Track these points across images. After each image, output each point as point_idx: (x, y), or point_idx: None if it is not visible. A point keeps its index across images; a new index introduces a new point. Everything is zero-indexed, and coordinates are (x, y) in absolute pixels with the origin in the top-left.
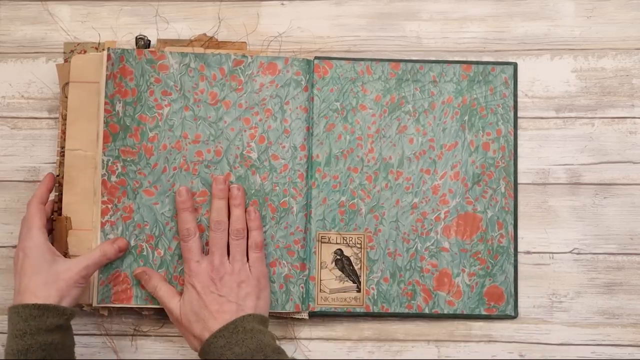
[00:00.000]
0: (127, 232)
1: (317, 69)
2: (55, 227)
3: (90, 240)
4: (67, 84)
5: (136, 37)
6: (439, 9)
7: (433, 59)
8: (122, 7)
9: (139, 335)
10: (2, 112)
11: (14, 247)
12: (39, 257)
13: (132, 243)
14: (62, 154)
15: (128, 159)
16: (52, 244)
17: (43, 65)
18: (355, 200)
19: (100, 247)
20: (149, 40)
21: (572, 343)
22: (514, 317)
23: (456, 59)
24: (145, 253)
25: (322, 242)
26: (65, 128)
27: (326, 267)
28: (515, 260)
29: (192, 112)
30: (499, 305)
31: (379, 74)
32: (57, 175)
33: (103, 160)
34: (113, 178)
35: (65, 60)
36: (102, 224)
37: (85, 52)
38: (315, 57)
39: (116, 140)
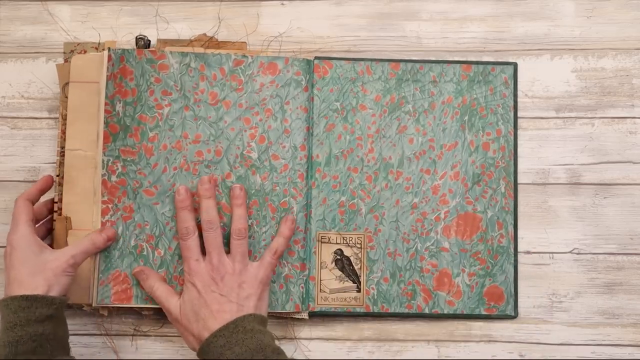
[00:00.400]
0: (127, 231)
1: (317, 69)
2: (55, 227)
3: None
4: (67, 84)
5: (136, 37)
6: (439, 9)
7: (433, 59)
8: (122, 7)
9: (139, 335)
10: (2, 112)
11: None
12: (26, 249)
13: (132, 243)
14: (62, 154)
15: (128, 159)
16: (52, 243)
17: (43, 65)
18: (355, 200)
19: (89, 236)
20: (149, 40)
21: (572, 343)
22: (514, 317)
23: (456, 59)
24: (145, 253)
25: (322, 242)
26: (65, 128)
27: (326, 267)
28: (515, 260)
29: (192, 112)
30: (499, 305)
31: (379, 74)
32: (57, 175)
33: (103, 160)
34: (113, 178)
35: (65, 60)
36: (103, 224)
37: (85, 52)
38: (316, 57)
39: (116, 140)
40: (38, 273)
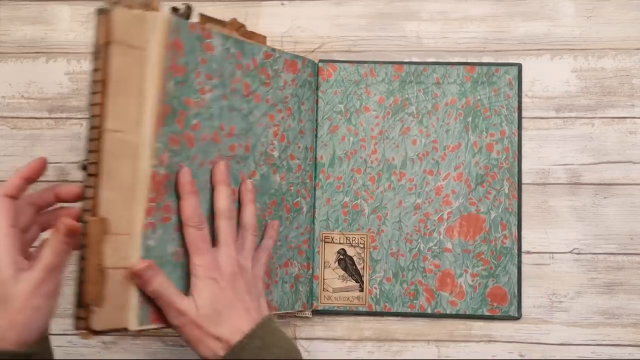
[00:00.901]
0: (165, 236)
1: (321, 71)
2: (88, 232)
3: (127, 248)
4: (107, 43)
5: (173, 7)
6: (439, 9)
7: (433, 59)
8: None
9: (140, 335)
10: (2, 112)
11: None
12: (1, 267)
13: (170, 250)
14: (94, 135)
15: (173, 149)
16: (85, 252)
17: (43, 65)
18: (359, 201)
19: (47, 244)
20: (190, 10)
21: (572, 343)
22: (517, 318)
23: (456, 59)
24: (182, 260)
25: (325, 242)
26: (101, 101)
27: (329, 267)
28: (519, 262)
29: (228, 102)
30: (502, 306)
31: (382, 76)
32: (85, 160)
33: (156, 148)
34: (161, 170)
35: (105, 13)
36: (145, 226)
37: (132, 7)
38: (320, 60)
39: (166, 125)
40: (5, 320)
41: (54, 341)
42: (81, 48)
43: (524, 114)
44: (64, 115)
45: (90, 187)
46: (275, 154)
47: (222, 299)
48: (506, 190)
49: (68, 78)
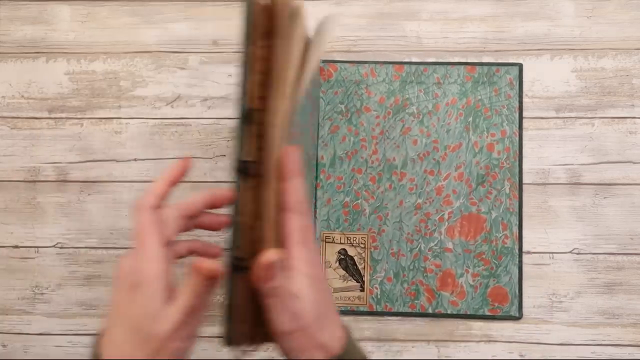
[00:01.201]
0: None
1: (322, 72)
2: (265, 242)
3: None
4: (271, 32)
5: None
6: (439, 9)
7: (433, 59)
8: (122, 7)
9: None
10: (2, 112)
11: (14, 247)
12: (151, 298)
13: None
14: (259, 133)
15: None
16: (250, 265)
17: (43, 65)
18: (359, 201)
19: (189, 285)
20: None
21: (572, 343)
22: (518, 318)
23: (456, 59)
24: None
25: (326, 242)
26: (264, 93)
27: (330, 267)
28: (520, 262)
29: (302, 100)
30: (503, 306)
31: (383, 76)
32: (252, 162)
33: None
34: None
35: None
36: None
37: None
38: (321, 60)
39: (289, 121)
40: (142, 346)
41: (54, 341)
42: (81, 48)
43: (524, 114)
44: (63, 115)
45: (252, 190)
46: (311, 152)
47: (322, 301)
48: (507, 190)
49: (68, 78)
